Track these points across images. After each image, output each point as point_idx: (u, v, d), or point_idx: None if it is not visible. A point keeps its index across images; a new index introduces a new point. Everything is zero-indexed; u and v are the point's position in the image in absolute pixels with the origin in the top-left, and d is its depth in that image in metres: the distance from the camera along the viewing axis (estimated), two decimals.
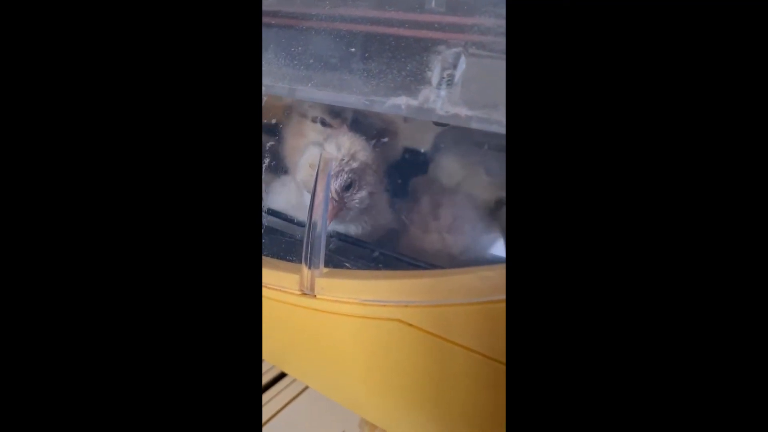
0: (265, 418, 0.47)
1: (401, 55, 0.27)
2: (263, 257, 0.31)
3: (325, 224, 0.28)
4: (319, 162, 0.27)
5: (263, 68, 0.32)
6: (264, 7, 0.34)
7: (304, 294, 0.30)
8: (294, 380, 0.51)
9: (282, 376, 0.52)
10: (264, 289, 0.31)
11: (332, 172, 0.28)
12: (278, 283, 0.31)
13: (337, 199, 0.28)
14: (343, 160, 0.29)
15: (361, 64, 0.28)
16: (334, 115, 0.34)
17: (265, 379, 0.51)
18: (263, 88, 0.31)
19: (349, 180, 0.29)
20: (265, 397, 0.49)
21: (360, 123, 0.33)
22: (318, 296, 0.29)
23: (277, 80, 0.31)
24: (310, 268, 0.29)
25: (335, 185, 0.28)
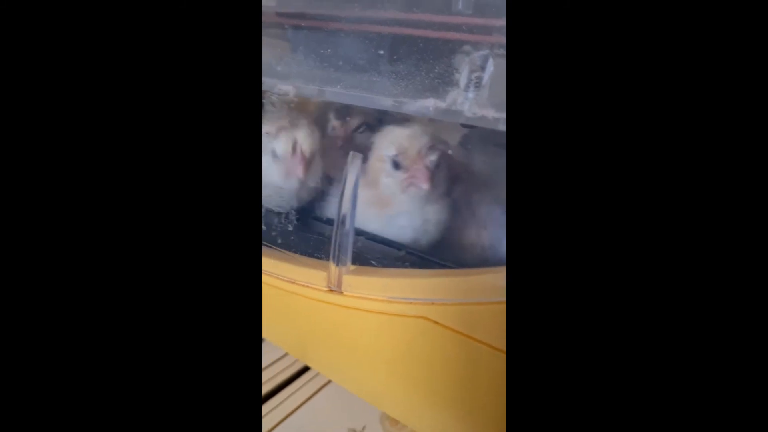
0: (287, 411, 0.48)
1: (429, 57, 0.28)
2: (291, 254, 0.32)
3: (353, 222, 0.28)
4: (349, 160, 0.28)
5: (294, 69, 0.32)
6: (292, 9, 0.35)
7: (331, 290, 0.30)
8: (317, 374, 0.52)
9: (305, 369, 0.53)
10: (291, 285, 0.32)
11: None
12: (306, 280, 0.31)
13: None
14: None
15: (390, 66, 0.29)
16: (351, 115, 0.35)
17: (289, 373, 0.53)
18: (293, 89, 0.32)
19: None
20: (288, 390, 0.51)
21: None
22: (345, 293, 0.30)
23: (308, 81, 0.31)
24: (337, 265, 0.29)
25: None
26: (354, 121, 0.30)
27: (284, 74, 0.33)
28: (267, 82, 0.33)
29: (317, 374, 0.52)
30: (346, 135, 0.30)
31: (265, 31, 0.36)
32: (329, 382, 0.51)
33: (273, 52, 0.35)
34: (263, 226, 0.33)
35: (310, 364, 0.47)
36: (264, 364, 0.54)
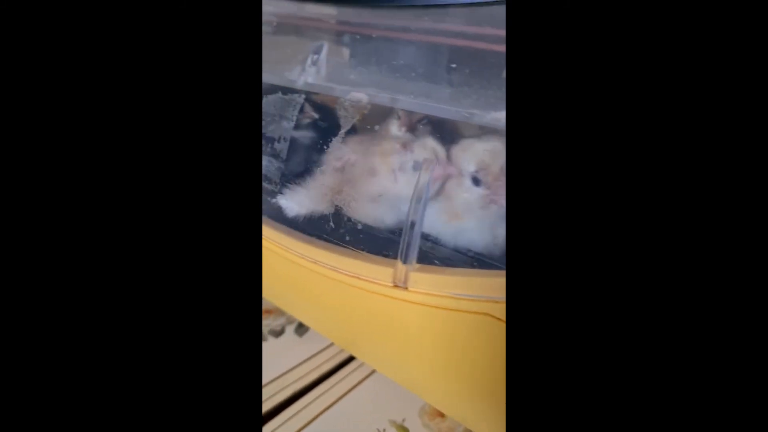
0: (330, 401, 0.50)
1: (501, 71, 0.30)
2: (358, 251, 0.34)
3: (421, 223, 0.30)
4: (421, 164, 0.30)
5: (367, 78, 0.34)
6: (362, 20, 0.37)
7: (397, 286, 0.32)
8: (359, 365, 0.55)
9: (348, 360, 0.55)
10: (355, 280, 0.34)
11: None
12: (371, 275, 0.34)
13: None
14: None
15: (462, 78, 0.31)
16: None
17: (333, 363, 0.55)
18: (366, 96, 0.34)
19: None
20: (330, 381, 0.53)
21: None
22: (410, 289, 0.32)
23: (381, 90, 0.33)
24: (404, 263, 0.31)
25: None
26: (425, 130, 0.32)
27: (357, 82, 0.35)
28: (340, 89, 0.36)
29: (359, 365, 0.55)
30: (417, 143, 0.32)
31: (333, 39, 0.38)
32: (371, 373, 0.53)
33: (342, 61, 0.37)
34: (331, 224, 0.35)
35: (360, 357, 0.49)
36: (309, 355, 0.57)
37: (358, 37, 0.37)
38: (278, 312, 0.63)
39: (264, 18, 0.45)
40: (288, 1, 0.41)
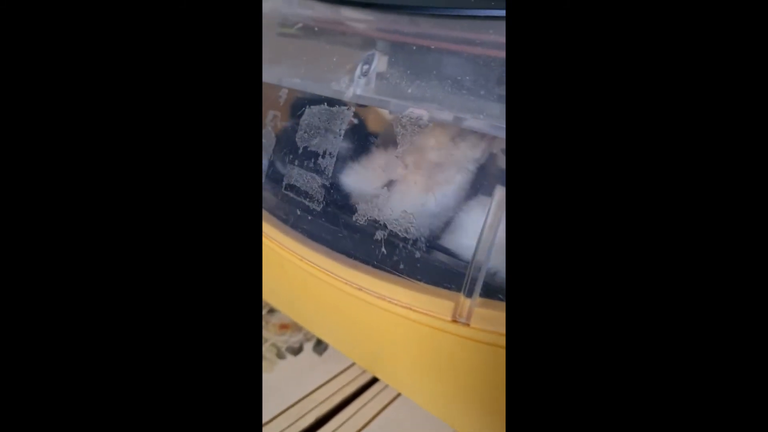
0: (358, 426, 0.48)
1: None
2: (414, 281, 0.32)
3: (490, 254, 0.28)
4: (494, 194, 0.27)
5: (428, 93, 0.32)
6: (420, 29, 0.35)
7: (456, 321, 0.30)
8: (384, 388, 0.52)
9: (372, 382, 0.53)
10: (407, 311, 0.32)
11: None
12: (425, 307, 0.31)
13: None
14: None
15: None
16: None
17: (356, 385, 0.53)
18: (426, 112, 0.31)
19: None
20: (355, 405, 0.51)
21: None
22: (472, 325, 0.29)
23: (444, 107, 0.31)
24: (469, 297, 0.29)
25: None
26: (493, 151, 0.30)
27: (417, 97, 0.32)
28: (397, 104, 0.33)
29: (384, 387, 0.52)
30: (484, 167, 0.30)
31: (385, 49, 0.36)
32: (397, 396, 0.51)
33: (396, 72, 0.34)
34: (383, 250, 0.33)
35: (401, 390, 0.46)
36: (331, 375, 0.54)
37: (414, 47, 0.34)
38: (295, 327, 0.60)
39: (302, 22, 0.42)
40: (333, 5, 0.38)
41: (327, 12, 0.40)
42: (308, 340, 0.59)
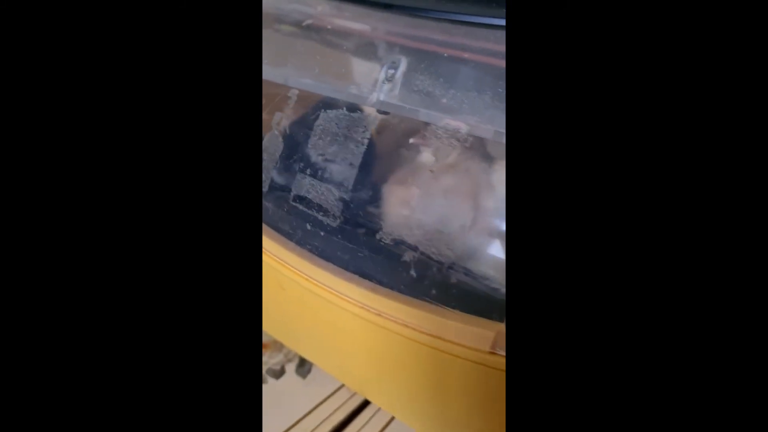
0: None
1: None
2: (447, 309, 0.29)
3: None
4: None
5: (465, 105, 0.30)
6: (453, 38, 0.32)
7: (494, 353, 0.28)
8: (376, 412, 0.49)
9: (363, 406, 0.49)
10: (438, 341, 0.29)
11: None
12: (459, 338, 0.29)
13: None
14: None
15: None
16: None
17: (346, 411, 0.49)
18: (464, 125, 0.29)
19: None
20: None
21: None
22: None
23: (484, 121, 0.29)
24: None
25: None
26: None
27: (452, 108, 0.30)
28: (432, 115, 0.30)
29: (376, 412, 0.49)
30: None
31: (414, 55, 0.33)
32: (391, 420, 0.48)
33: (426, 80, 0.32)
34: (412, 273, 0.30)
35: (413, 425, 0.43)
36: (317, 401, 0.50)
37: (445, 55, 0.31)
38: (275, 347, 0.55)
39: (312, 19, 0.38)
40: (359, 6, 0.34)
41: (340, 9, 0.37)
42: (290, 360, 0.54)
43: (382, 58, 0.34)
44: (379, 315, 0.31)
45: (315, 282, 0.34)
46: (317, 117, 0.34)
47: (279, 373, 0.53)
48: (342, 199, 0.32)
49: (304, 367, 0.54)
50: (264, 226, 0.35)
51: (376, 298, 0.31)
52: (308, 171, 0.33)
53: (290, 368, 0.54)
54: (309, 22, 0.38)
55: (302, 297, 0.35)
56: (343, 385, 0.51)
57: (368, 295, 0.31)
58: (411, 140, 0.31)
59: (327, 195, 0.32)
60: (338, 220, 0.32)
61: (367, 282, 0.31)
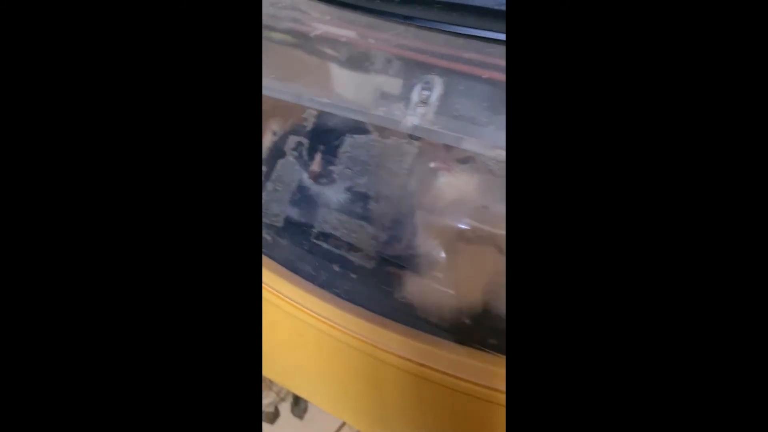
0: None
1: None
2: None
3: None
4: None
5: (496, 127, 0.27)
6: (494, 60, 0.30)
7: None
8: None
9: None
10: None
11: None
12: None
13: None
14: None
15: None
16: None
17: None
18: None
19: None
20: None
21: None
22: None
23: None
24: None
25: None
26: None
27: (500, 138, 0.27)
28: (472, 141, 0.27)
29: None
30: None
31: (453, 76, 0.30)
32: None
33: (467, 103, 0.29)
34: (467, 321, 0.27)
35: None
36: None
37: (484, 77, 0.29)
38: (264, 385, 0.50)
39: (323, 31, 0.34)
40: (389, 21, 0.31)
41: (359, 22, 0.33)
42: (283, 400, 0.50)
43: (411, 77, 0.30)
44: (422, 366, 0.28)
45: (344, 330, 0.30)
46: (341, 143, 0.30)
47: (273, 417, 0.48)
48: (376, 237, 0.28)
49: (299, 406, 0.49)
50: (280, 268, 0.31)
51: (423, 348, 0.28)
52: (333, 205, 0.29)
53: (284, 409, 0.49)
54: (317, 32, 0.34)
55: (331, 347, 0.31)
56: (344, 424, 0.48)
57: (412, 345, 0.28)
58: (457, 172, 0.28)
59: (360, 232, 0.29)
60: (373, 262, 0.28)
61: (411, 330, 0.28)
